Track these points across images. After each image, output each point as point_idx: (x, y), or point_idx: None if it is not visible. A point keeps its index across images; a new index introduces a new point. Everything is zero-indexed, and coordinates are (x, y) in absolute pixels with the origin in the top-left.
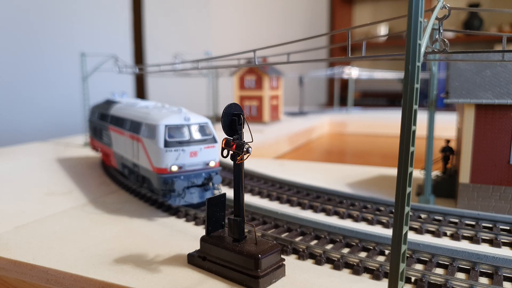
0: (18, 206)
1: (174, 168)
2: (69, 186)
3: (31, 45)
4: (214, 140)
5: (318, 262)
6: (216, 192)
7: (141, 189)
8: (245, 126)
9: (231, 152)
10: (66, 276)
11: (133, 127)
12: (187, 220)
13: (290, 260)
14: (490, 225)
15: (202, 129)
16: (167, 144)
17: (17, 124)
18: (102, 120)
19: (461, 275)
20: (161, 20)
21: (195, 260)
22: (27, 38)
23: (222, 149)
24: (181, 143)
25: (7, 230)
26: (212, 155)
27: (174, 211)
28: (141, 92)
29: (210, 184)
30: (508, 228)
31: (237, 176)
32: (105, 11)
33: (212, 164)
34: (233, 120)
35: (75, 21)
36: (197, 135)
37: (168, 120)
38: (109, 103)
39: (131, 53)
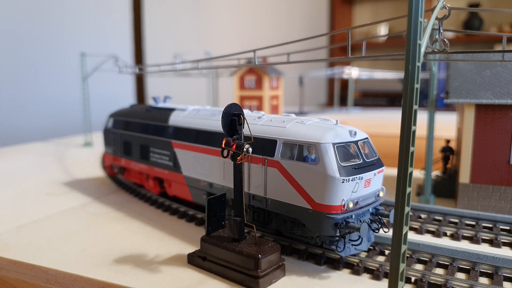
0: (18, 206)
1: (351, 205)
2: (69, 186)
3: (31, 45)
4: (381, 162)
5: (318, 262)
6: (383, 232)
7: (141, 189)
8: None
9: (231, 152)
10: (66, 276)
11: (252, 145)
12: (187, 220)
13: (290, 260)
14: (490, 225)
15: (366, 146)
16: (342, 171)
17: (17, 124)
18: (148, 134)
19: (461, 275)
20: (161, 20)
21: (195, 260)
22: (28, 38)
23: (222, 149)
24: (356, 169)
25: (7, 230)
26: (380, 182)
27: (174, 211)
28: (141, 92)
29: (377, 221)
30: (508, 228)
31: (237, 176)
32: (105, 11)
33: (381, 194)
34: (233, 120)
35: (75, 21)
36: (367, 156)
37: (334, 137)
38: (156, 110)
39: (131, 53)
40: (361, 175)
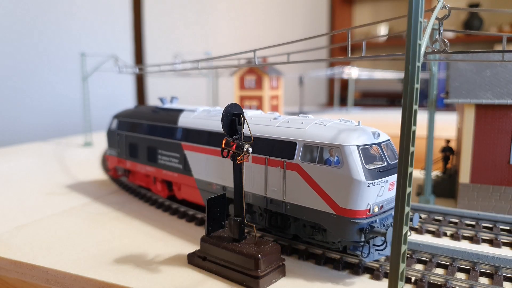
0: (18, 206)
1: (376, 209)
2: (69, 186)
3: (31, 45)
4: None
5: (318, 262)
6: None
7: (141, 189)
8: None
9: (231, 152)
10: (66, 276)
11: (269, 147)
12: (187, 220)
13: (290, 260)
14: (490, 225)
15: (388, 148)
16: (367, 174)
17: (17, 124)
18: (156, 135)
19: (461, 275)
20: (161, 20)
21: (195, 260)
22: (28, 38)
23: (222, 149)
24: (382, 172)
25: (7, 230)
26: None
27: (174, 211)
28: (141, 92)
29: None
30: (508, 228)
31: (237, 176)
32: (105, 11)
33: None
34: (233, 120)
35: (75, 21)
36: (390, 158)
37: (358, 139)
38: (163, 111)
39: (131, 53)
40: (386, 178)
